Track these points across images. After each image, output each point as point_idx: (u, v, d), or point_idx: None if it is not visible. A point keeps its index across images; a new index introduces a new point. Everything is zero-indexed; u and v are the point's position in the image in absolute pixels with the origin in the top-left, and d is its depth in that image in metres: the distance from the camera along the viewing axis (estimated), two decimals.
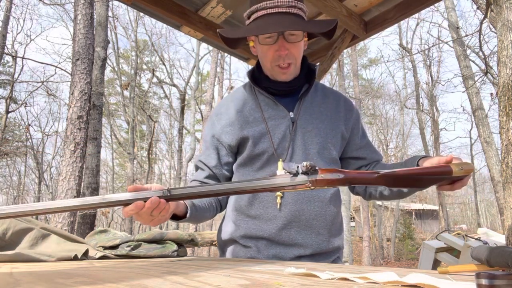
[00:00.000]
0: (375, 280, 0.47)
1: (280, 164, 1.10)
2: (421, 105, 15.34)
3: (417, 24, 15.82)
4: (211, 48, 13.61)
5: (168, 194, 0.78)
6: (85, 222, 5.21)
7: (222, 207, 1.23)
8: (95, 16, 4.78)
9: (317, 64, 2.12)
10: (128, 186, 0.80)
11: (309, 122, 1.15)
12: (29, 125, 14.90)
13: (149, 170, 14.06)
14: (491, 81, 8.77)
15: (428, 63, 15.92)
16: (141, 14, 13.04)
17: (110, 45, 12.58)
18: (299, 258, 1.10)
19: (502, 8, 1.99)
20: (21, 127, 15.71)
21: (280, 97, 1.17)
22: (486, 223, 27.82)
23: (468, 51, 9.77)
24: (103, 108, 6.06)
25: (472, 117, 9.66)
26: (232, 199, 1.21)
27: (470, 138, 16.82)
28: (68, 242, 1.04)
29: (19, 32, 19.52)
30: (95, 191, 5.59)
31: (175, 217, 0.99)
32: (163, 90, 19.08)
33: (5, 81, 14.33)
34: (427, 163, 0.91)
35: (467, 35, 9.40)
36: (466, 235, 3.18)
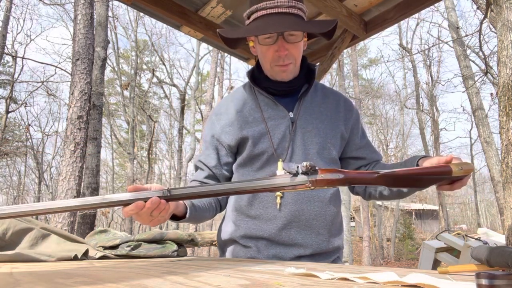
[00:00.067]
0: (375, 280, 0.47)
1: (280, 164, 1.10)
2: (421, 105, 15.34)
3: (417, 24, 15.83)
4: (211, 48, 13.61)
5: (168, 194, 0.78)
6: (85, 222, 5.21)
7: (221, 207, 1.23)
8: (95, 16, 4.78)
9: (317, 64, 2.12)
10: (128, 186, 0.80)
11: (308, 122, 1.15)
12: (29, 125, 14.91)
13: (149, 170, 14.07)
14: (491, 81, 8.78)
15: (428, 63, 15.93)
16: (141, 14, 13.04)
17: (110, 45, 12.58)
18: (299, 258, 1.10)
19: (502, 8, 1.99)
20: (21, 127, 15.72)
21: (279, 97, 1.17)
22: (486, 223, 27.83)
23: (468, 51, 9.78)
24: (103, 108, 6.06)
25: (472, 117, 9.66)
26: (232, 199, 1.21)
27: (470, 138, 16.83)
28: (68, 242, 1.04)
29: (19, 32, 19.54)
30: (95, 191, 5.59)
31: (175, 217, 0.99)
32: (163, 90, 19.09)
33: (5, 81, 14.33)
34: (426, 163, 0.91)
35: (467, 35, 9.41)
36: (466, 235, 3.18)
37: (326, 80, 15.45)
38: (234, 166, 1.20)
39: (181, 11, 2.24)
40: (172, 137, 20.14)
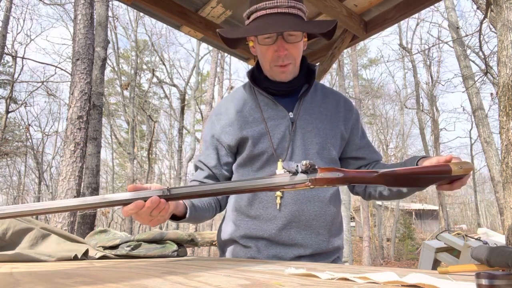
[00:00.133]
0: (375, 280, 0.47)
1: (279, 164, 1.10)
2: (421, 105, 15.34)
3: (417, 24, 15.83)
4: (211, 48, 13.61)
5: (168, 194, 0.78)
6: (85, 222, 5.21)
7: (221, 207, 1.23)
8: (95, 16, 4.78)
9: (317, 64, 2.12)
10: (128, 186, 0.80)
11: (308, 122, 1.15)
12: (29, 125, 14.90)
13: (149, 170, 14.07)
14: (491, 81, 8.78)
15: (428, 63, 15.93)
16: (141, 14, 13.04)
17: (110, 45, 12.58)
18: (299, 258, 1.10)
19: (502, 8, 1.99)
20: (21, 127, 15.71)
21: (279, 97, 1.17)
22: (486, 223, 27.83)
23: (468, 51, 9.78)
24: (103, 108, 6.06)
25: (472, 117, 9.66)
26: (232, 199, 1.21)
27: (470, 138, 16.83)
28: (68, 242, 1.04)
29: (19, 32, 19.54)
30: (95, 191, 5.59)
31: (175, 217, 0.99)
32: (163, 90, 19.09)
33: (5, 81, 14.33)
34: (426, 163, 0.91)
35: (467, 35, 9.41)
36: (466, 235, 3.18)
37: (326, 80, 15.45)
38: (234, 166, 1.20)
39: (181, 11, 2.24)
40: (172, 137, 20.15)
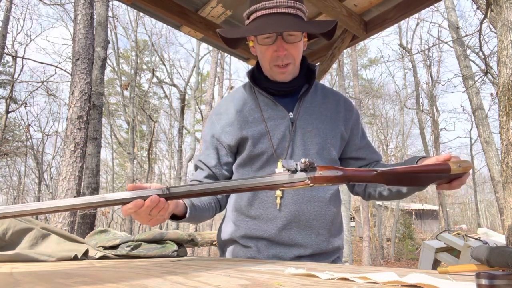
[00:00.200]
0: (375, 280, 0.47)
1: (279, 164, 1.10)
2: (421, 105, 15.34)
3: (417, 24, 15.83)
4: (211, 48, 13.61)
5: (168, 192, 0.77)
6: (85, 222, 5.21)
7: (221, 207, 1.23)
8: (95, 16, 4.78)
9: (317, 64, 2.12)
10: (127, 185, 0.80)
11: (308, 122, 1.15)
12: (29, 125, 14.90)
13: (149, 170, 14.07)
14: (491, 81, 8.78)
15: (428, 63, 15.93)
16: (141, 14, 13.04)
17: (110, 45, 12.58)
18: (299, 258, 1.10)
19: (502, 8, 1.99)
20: (21, 127, 15.71)
21: (279, 98, 1.17)
22: (486, 223, 27.83)
23: (468, 51, 9.78)
24: (103, 108, 6.06)
25: (472, 117, 9.66)
26: (232, 199, 1.21)
27: (470, 138, 16.82)
28: (68, 242, 1.04)
29: (19, 32, 19.54)
30: (95, 191, 5.59)
31: (174, 217, 0.99)
32: (163, 90, 19.10)
33: (5, 81, 14.33)
34: (426, 162, 0.91)
35: (467, 35, 9.41)
36: (466, 235, 3.18)
37: (326, 80, 15.45)
38: (234, 166, 1.20)
39: (181, 11, 2.24)
40: (172, 137, 20.15)
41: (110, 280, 0.54)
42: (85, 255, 0.99)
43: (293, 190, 1.10)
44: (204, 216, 1.12)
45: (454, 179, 0.87)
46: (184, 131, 16.95)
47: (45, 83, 13.20)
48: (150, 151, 14.12)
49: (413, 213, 22.01)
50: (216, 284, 0.47)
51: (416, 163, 0.97)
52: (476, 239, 3.15)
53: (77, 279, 0.55)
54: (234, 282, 0.49)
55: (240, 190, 0.80)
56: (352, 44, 2.59)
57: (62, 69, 10.58)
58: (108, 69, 15.37)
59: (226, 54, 13.13)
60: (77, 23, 4.25)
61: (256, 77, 1.19)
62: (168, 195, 0.78)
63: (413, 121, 19.91)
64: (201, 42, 4.79)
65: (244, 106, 1.18)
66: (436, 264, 3.26)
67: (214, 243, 4.50)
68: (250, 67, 1.50)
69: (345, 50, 5.86)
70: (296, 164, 0.77)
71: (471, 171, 0.90)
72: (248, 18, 1.13)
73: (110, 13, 9.03)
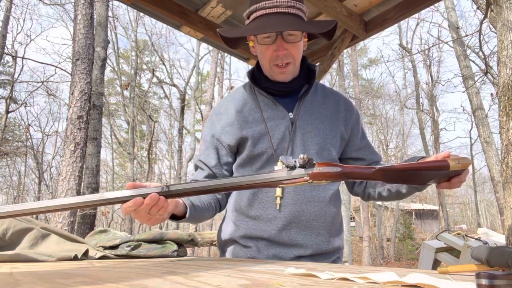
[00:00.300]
0: (375, 280, 0.47)
1: (279, 163, 1.10)
2: (421, 105, 15.34)
3: (417, 24, 15.83)
4: (211, 48, 13.61)
5: (167, 190, 0.77)
6: (85, 222, 5.21)
7: (221, 207, 1.23)
8: (95, 16, 4.78)
9: (317, 64, 2.12)
10: (127, 183, 0.80)
11: (308, 122, 1.15)
12: (29, 125, 14.89)
13: (149, 170, 14.07)
14: (491, 81, 8.78)
15: (428, 63, 15.92)
16: (141, 14, 13.04)
17: (110, 45, 12.59)
18: (299, 258, 1.10)
19: (502, 8, 1.99)
20: (21, 127, 15.71)
21: (279, 98, 1.17)
22: (486, 223, 27.83)
23: (468, 51, 9.78)
24: (103, 108, 6.06)
25: (472, 117, 9.66)
26: (232, 199, 1.21)
27: (470, 138, 16.82)
28: (68, 242, 1.04)
29: (19, 32, 19.50)
30: (95, 191, 5.59)
31: (174, 217, 0.98)
32: (163, 90, 19.09)
33: (5, 81, 14.33)
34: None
35: (467, 35, 9.41)
36: (466, 235, 3.18)
37: (326, 80, 15.45)
38: (234, 166, 1.20)
39: (181, 11, 2.24)
40: (172, 137, 20.14)
41: (110, 280, 0.54)
42: (85, 255, 0.99)
43: (293, 190, 1.10)
44: (204, 216, 1.11)
45: (453, 177, 0.87)
46: (184, 131, 16.95)
47: (45, 83, 13.20)
48: (150, 151, 14.12)
49: (413, 213, 22.01)
50: (216, 284, 0.47)
51: None
52: (476, 239, 3.15)
53: (77, 279, 0.55)
54: (234, 282, 0.49)
55: (239, 187, 0.80)
56: (352, 44, 2.59)
57: (62, 69, 10.58)
58: (108, 69, 15.38)
59: (226, 54, 13.13)
60: (77, 23, 4.25)
61: (256, 77, 1.19)
62: (168, 193, 0.77)
63: (413, 121, 19.93)
64: (201, 42, 4.79)
65: (244, 106, 1.18)
66: (436, 264, 3.26)
67: (214, 243, 4.50)
68: (250, 67, 1.50)
69: (345, 50, 5.86)
70: (295, 161, 0.77)
71: (471, 170, 0.90)
72: (248, 17, 1.13)
73: (110, 13, 9.03)
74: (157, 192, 0.76)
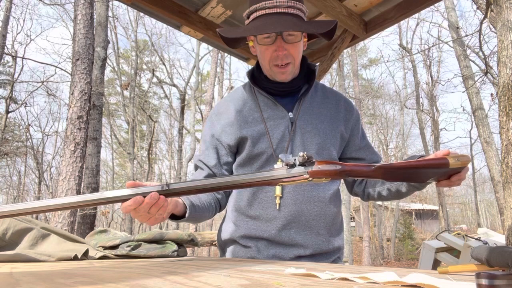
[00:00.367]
0: (375, 280, 0.47)
1: (279, 162, 1.10)
2: (421, 105, 15.34)
3: (417, 24, 15.83)
4: (211, 48, 13.62)
5: (167, 189, 0.77)
6: (85, 222, 5.22)
7: (221, 207, 1.23)
8: (95, 16, 4.79)
9: (317, 64, 2.12)
10: (126, 182, 0.79)
11: (308, 122, 1.15)
12: (29, 125, 14.89)
13: (149, 170, 14.07)
14: (491, 81, 8.77)
15: (428, 63, 15.92)
16: (141, 14, 13.04)
17: (110, 45, 12.58)
18: (299, 258, 1.09)
19: (502, 8, 1.99)
20: (21, 127, 15.70)
21: (279, 98, 1.17)
22: (486, 223, 27.84)
23: (468, 51, 9.77)
24: (103, 108, 6.06)
25: (472, 117, 9.67)
26: (232, 199, 1.21)
27: (470, 138, 16.81)
28: (68, 242, 1.04)
29: (19, 32, 19.52)
30: (95, 191, 5.59)
31: (174, 217, 0.98)
32: (163, 90, 19.10)
33: (5, 81, 14.33)
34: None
35: (467, 35, 9.40)
36: (466, 235, 3.18)
37: (326, 80, 15.45)
38: (234, 166, 1.20)
39: (181, 11, 2.24)
40: (172, 137, 20.15)
41: (110, 280, 0.54)
42: (85, 255, 0.99)
43: (292, 190, 1.10)
44: (203, 216, 1.11)
45: (453, 175, 0.87)
46: (184, 131, 16.95)
47: (45, 83, 13.21)
48: (150, 151, 14.13)
49: (413, 213, 22.01)
50: (216, 284, 0.47)
51: None
52: (476, 239, 3.15)
53: (77, 279, 0.55)
54: (234, 282, 0.49)
55: (239, 185, 0.80)
56: (352, 44, 2.59)
57: (62, 69, 10.59)
58: (108, 69, 15.39)
59: (226, 54, 13.13)
60: (77, 23, 4.25)
61: (256, 77, 1.19)
62: (168, 192, 0.77)
63: (413, 121, 19.94)
64: (201, 42, 4.79)
65: (244, 106, 1.18)
66: (436, 264, 3.26)
67: (214, 243, 4.50)
68: (250, 67, 1.50)
69: (345, 50, 5.86)
70: (295, 159, 0.77)
71: (471, 170, 0.90)
72: (248, 18, 1.13)
73: (110, 13, 9.03)
74: (157, 191, 0.76)
